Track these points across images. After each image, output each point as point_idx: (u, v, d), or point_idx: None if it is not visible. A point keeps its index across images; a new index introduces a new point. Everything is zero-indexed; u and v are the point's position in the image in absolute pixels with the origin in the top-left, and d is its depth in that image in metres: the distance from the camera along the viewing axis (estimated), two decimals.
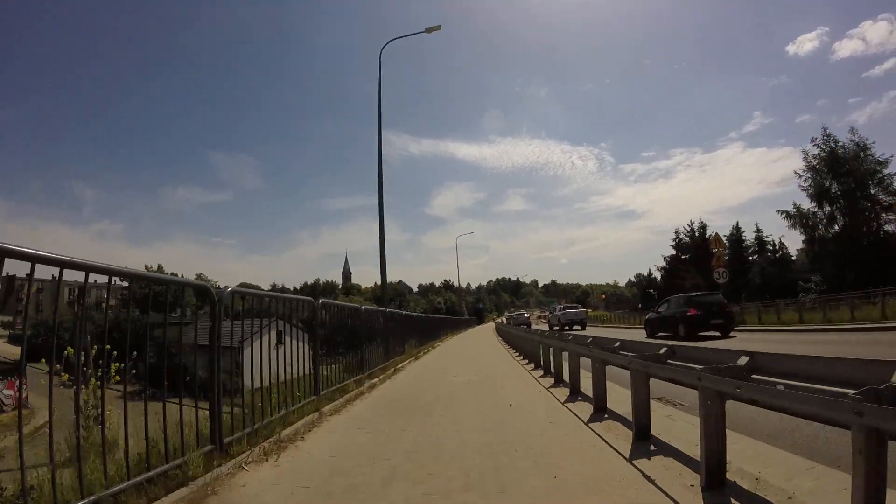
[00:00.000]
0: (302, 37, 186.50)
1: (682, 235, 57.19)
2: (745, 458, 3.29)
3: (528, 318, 47.07)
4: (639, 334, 18.45)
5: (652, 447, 3.77)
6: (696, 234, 55.78)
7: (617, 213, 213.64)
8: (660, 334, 16.93)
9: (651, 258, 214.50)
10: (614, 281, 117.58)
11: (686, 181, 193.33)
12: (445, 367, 11.50)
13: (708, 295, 17.64)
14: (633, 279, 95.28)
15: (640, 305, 57.79)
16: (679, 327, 15.72)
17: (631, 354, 4.31)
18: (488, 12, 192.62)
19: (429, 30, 16.32)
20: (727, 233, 51.89)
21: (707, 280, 44.79)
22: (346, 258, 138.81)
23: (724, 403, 3.05)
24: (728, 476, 2.97)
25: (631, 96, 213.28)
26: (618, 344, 4.96)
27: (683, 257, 55.71)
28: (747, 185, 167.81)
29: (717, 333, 15.21)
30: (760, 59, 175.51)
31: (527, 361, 11.38)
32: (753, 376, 3.11)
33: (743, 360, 3.21)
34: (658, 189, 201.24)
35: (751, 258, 49.89)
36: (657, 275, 62.58)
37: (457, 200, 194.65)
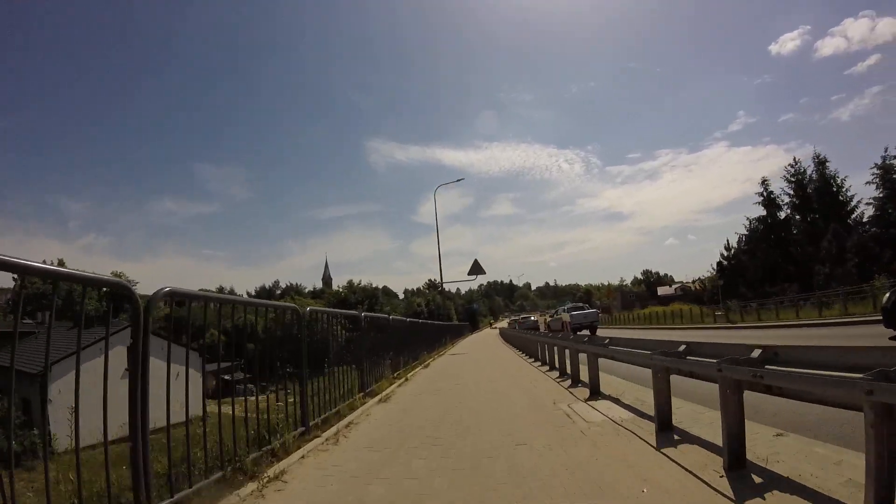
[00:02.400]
0: (287, 46, 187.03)
1: (772, 185, 42.68)
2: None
3: (536, 321, 46.20)
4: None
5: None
6: (812, 174, 39.26)
7: (604, 216, 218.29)
8: None
9: (641, 259, 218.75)
10: (620, 279, 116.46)
11: (672, 182, 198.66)
12: None
13: None
14: (639, 276, 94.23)
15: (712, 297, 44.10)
16: None
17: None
18: (472, 18, 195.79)
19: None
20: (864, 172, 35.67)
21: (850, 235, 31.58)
22: (326, 264, 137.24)
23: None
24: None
25: (616, 98, 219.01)
26: None
27: (782, 216, 42.03)
28: (733, 184, 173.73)
29: None
30: (744, 59, 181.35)
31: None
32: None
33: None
34: (644, 190, 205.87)
35: None
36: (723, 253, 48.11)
37: (445, 207, 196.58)
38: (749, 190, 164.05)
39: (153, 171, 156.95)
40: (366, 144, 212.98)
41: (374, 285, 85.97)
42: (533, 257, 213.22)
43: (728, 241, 49.41)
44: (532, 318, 51.45)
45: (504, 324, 70.98)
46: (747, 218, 46.24)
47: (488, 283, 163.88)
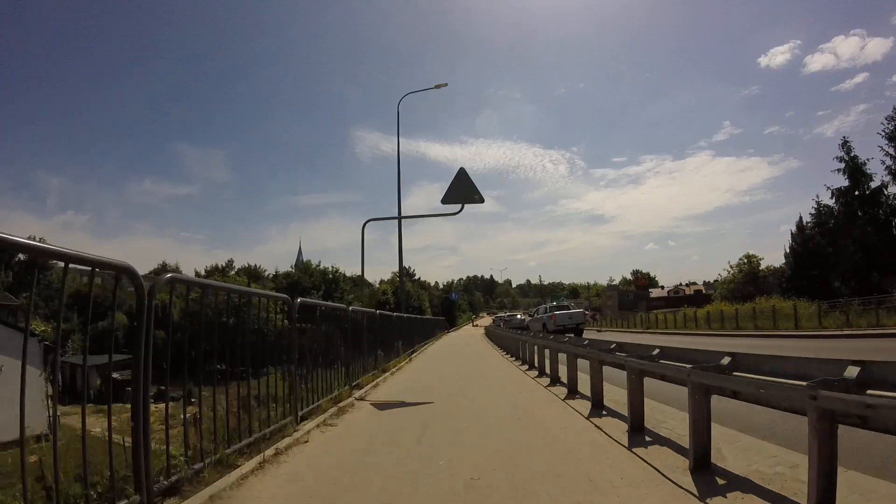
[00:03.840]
0: (275, 31, 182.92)
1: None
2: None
3: (524, 320, 43.44)
4: None
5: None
6: None
7: (586, 217, 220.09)
8: None
9: (621, 262, 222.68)
10: (610, 278, 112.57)
11: (655, 188, 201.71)
12: None
13: None
14: (628, 276, 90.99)
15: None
16: None
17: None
18: (463, 14, 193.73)
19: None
20: None
21: None
22: (300, 249, 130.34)
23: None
24: None
25: (604, 102, 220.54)
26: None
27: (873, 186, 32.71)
28: (715, 193, 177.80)
29: None
30: (733, 70, 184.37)
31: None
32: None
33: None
34: (628, 194, 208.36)
35: None
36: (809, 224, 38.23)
37: (428, 201, 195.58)
38: (731, 200, 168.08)
39: (134, 150, 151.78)
40: (351, 134, 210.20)
41: (336, 269, 68.55)
42: (512, 255, 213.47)
43: (801, 218, 39.43)
44: (519, 315, 49.22)
45: (488, 321, 68.19)
46: (828, 188, 36.78)
47: (468, 277, 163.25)
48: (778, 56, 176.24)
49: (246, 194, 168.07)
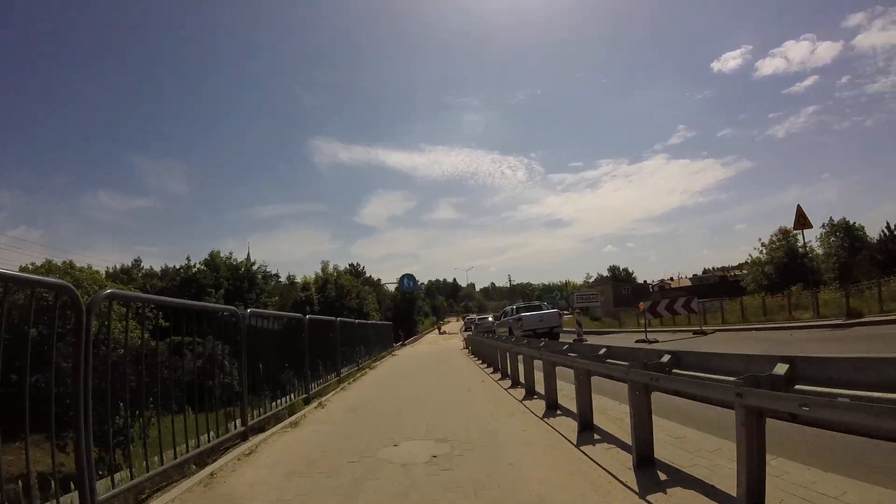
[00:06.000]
0: (231, 40, 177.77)
1: None
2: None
3: (493, 323, 40.66)
4: None
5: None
6: None
7: (545, 222, 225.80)
8: None
9: (580, 265, 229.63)
10: (586, 275, 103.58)
11: (613, 191, 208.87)
12: None
13: None
14: (604, 274, 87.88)
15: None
16: None
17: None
18: (419, 21, 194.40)
19: None
20: None
21: None
22: (248, 256, 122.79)
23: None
24: None
25: (561, 107, 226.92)
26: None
27: None
28: (671, 195, 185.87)
29: None
30: (687, 75, 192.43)
31: None
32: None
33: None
34: (585, 198, 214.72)
35: None
36: None
37: (388, 209, 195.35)
38: (687, 201, 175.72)
39: (87, 162, 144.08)
40: (309, 143, 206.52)
41: (253, 263, 51.98)
42: (473, 261, 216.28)
43: None
44: (490, 318, 49.06)
45: (457, 327, 65.25)
46: None
47: (430, 281, 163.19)
48: (730, 61, 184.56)
49: (203, 206, 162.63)
